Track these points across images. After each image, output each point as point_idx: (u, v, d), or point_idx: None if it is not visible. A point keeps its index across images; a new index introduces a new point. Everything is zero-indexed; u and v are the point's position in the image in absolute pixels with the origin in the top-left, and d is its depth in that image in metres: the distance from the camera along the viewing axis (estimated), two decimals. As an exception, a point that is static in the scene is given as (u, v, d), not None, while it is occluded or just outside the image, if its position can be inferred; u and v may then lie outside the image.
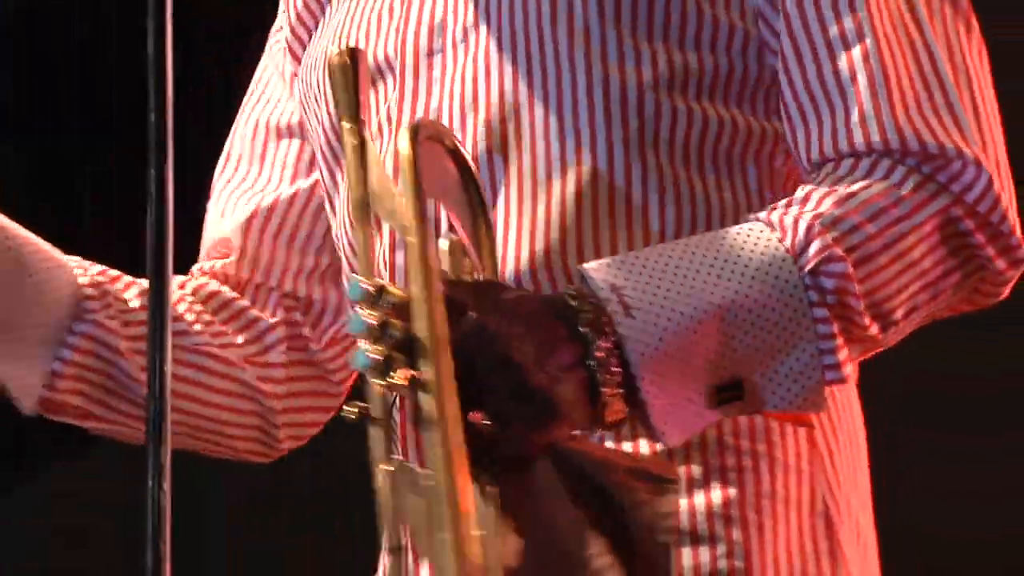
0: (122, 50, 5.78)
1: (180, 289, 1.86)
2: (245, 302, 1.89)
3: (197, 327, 1.84)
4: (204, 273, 1.90)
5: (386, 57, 1.70)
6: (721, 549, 1.52)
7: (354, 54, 1.46)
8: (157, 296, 1.40)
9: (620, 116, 1.59)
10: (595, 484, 1.38)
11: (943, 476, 4.47)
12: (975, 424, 4.35)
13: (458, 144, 1.48)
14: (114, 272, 1.87)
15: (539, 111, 1.62)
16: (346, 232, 1.74)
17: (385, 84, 1.70)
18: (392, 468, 1.32)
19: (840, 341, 1.44)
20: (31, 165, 5.97)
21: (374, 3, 1.75)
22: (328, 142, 1.76)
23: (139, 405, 1.86)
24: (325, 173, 1.79)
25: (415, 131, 1.40)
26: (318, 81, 1.74)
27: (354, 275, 1.46)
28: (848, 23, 1.55)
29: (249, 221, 1.88)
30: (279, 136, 1.91)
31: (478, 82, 1.65)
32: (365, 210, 1.40)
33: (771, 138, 1.60)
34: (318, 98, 1.76)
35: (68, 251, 2.03)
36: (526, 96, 1.63)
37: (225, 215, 1.90)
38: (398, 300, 1.32)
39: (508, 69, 1.65)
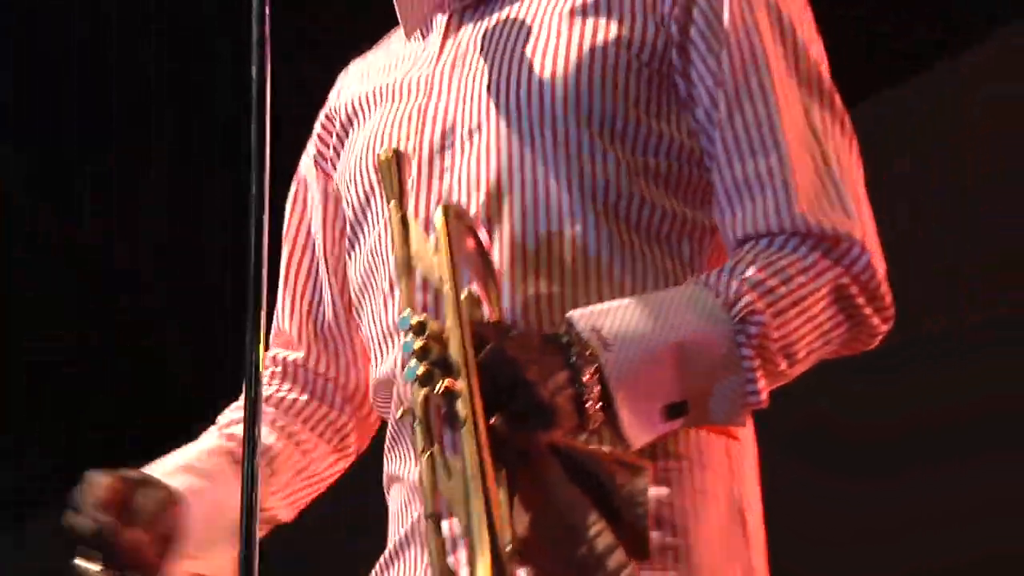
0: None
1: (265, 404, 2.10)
2: (320, 409, 2.15)
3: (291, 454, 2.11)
4: (276, 363, 2.16)
5: (407, 152, 1.90)
6: (666, 529, 1.76)
7: (398, 154, 1.75)
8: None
9: (591, 199, 1.82)
10: (587, 471, 1.60)
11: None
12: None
13: (473, 223, 1.74)
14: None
15: (528, 193, 1.85)
16: (370, 281, 1.98)
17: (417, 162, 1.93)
18: (430, 455, 1.58)
19: (760, 374, 1.70)
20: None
21: (398, 111, 1.98)
22: (355, 212, 2.00)
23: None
24: (350, 232, 2.04)
25: (447, 210, 1.68)
26: (357, 167, 1.99)
27: (404, 312, 1.67)
28: (767, 139, 1.80)
29: (313, 329, 2.16)
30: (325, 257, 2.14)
31: (480, 170, 1.88)
32: (407, 266, 1.68)
33: (699, 224, 1.86)
34: (355, 179, 2.00)
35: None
36: (519, 181, 1.85)
37: (293, 316, 2.17)
38: (436, 331, 1.59)
39: (504, 161, 1.87)
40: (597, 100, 1.85)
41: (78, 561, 1.94)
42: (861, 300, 1.77)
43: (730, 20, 1.84)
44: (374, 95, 2.05)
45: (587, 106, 1.84)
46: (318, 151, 2.12)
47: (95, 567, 1.94)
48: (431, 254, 1.68)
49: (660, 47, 1.86)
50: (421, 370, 1.58)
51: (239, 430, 1.98)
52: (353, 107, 2.08)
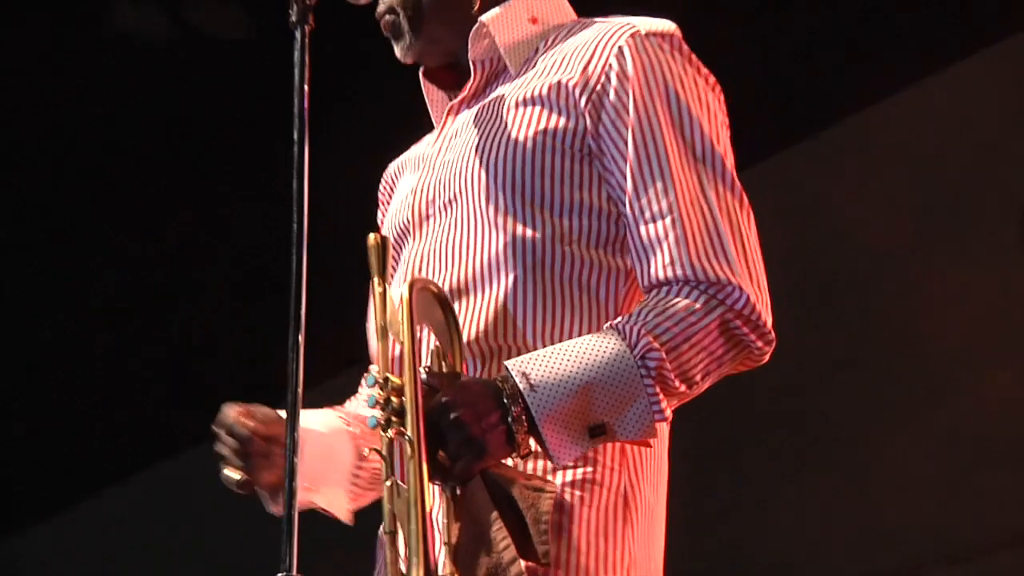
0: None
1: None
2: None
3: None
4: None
5: (406, 220, 2.14)
6: (556, 510, 1.88)
7: (383, 238, 1.91)
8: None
9: (522, 256, 2.00)
10: (505, 493, 1.82)
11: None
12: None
13: (440, 290, 1.95)
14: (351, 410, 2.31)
15: (478, 255, 2.02)
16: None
17: (410, 235, 2.13)
18: (389, 483, 1.81)
19: (661, 396, 1.86)
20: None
21: (409, 184, 2.19)
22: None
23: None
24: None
25: (411, 285, 1.89)
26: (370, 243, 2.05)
27: (373, 371, 1.89)
28: (664, 207, 1.95)
29: None
30: None
31: (450, 235, 2.06)
32: (384, 331, 1.88)
33: (614, 268, 2.01)
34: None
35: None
36: (471, 244, 2.03)
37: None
38: (397, 385, 1.82)
39: (464, 229, 2.05)
40: (528, 178, 2.03)
41: (225, 472, 2.11)
42: (745, 330, 1.93)
43: (633, 112, 2.00)
44: (405, 167, 2.29)
45: (520, 183, 2.02)
46: (380, 203, 2.35)
47: (236, 475, 2.11)
48: (395, 320, 1.90)
49: (579, 134, 2.03)
50: (381, 418, 1.81)
51: (352, 408, 2.29)
52: (394, 175, 2.32)
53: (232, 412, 2.13)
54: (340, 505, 2.20)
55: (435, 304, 1.96)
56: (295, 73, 1.96)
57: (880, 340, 5.24)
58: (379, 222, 2.36)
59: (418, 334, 1.93)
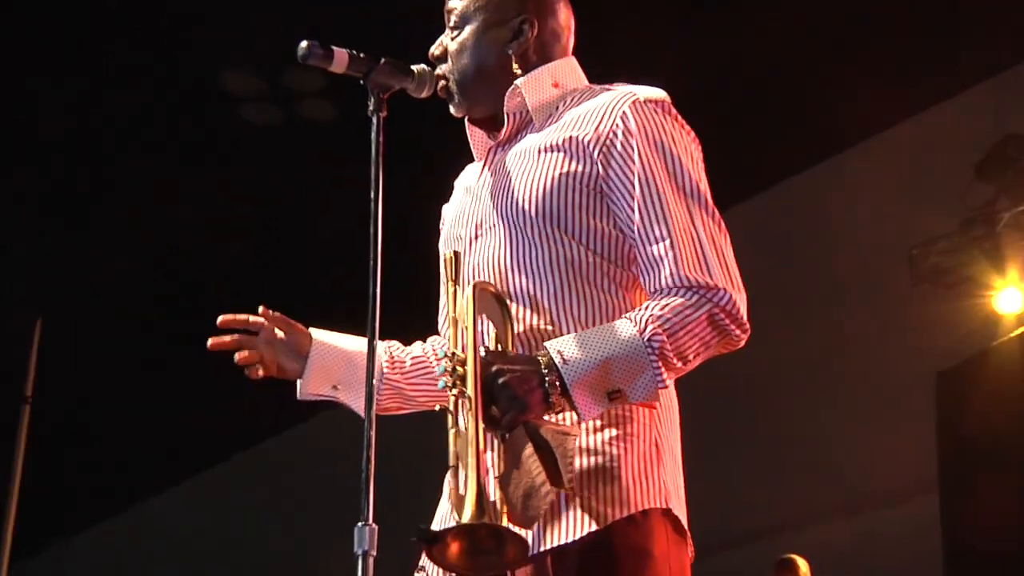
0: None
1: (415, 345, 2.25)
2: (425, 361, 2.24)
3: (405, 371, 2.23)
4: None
5: (460, 236, 2.10)
6: (607, 457, 1.87)
7: (456, 255, 1.95)
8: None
9: (557, 268, 1.97)
10: (541, 438, 1.80)
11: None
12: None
13: (497, 290, 1.95)
14: (395, 344, 2.26)
15: (522, 263, 1.99)
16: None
17: (465, 249, 2.08)
18: (454, 429, 1.79)
19: (663, 369, 1.85)
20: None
21: (459, 209, 2.14)
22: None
23: (408, 400, 2.24)
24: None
25: (474, 287, 1.89)
26: (443, 259, 2.08)
27: (445, 347, 1.90)
28: (663, 232, 1.93)
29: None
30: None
31: (499, 250, 2.02)
32: (455, 320, 1.89)
33: (624, 277, 1.98)
34: (442, 252, 2.13)
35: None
36: (517, 260, 2.00)
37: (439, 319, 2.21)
38: (461, 358, 1.81)
39: (508, 247, 2.01)
40: (553, 208, 1.99)
41: (238, 358, 2.11)
42: (727, 321, 1.91)
43: (638, 162, 1.97)
44: (456, 196, 2.22)
45: (548, 212, 1.99)
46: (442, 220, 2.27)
47: (257, 371, 2.13)
48: (461, 312, 1.89)
49: (593, 176, 1.99)
50: (449, 381, 1.80)
51: (402, 347, 2.25)
52: (449, 200, 2.25)
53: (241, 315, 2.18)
54: (359, 405, 2.09)
55: (493, 301, 1.94)
56: (372, 147, 1.96)
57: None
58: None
59: (479, 323, 1.91)
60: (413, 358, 2.28)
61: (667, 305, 1.90)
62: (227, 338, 2.16)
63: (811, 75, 5.17)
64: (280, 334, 2.17)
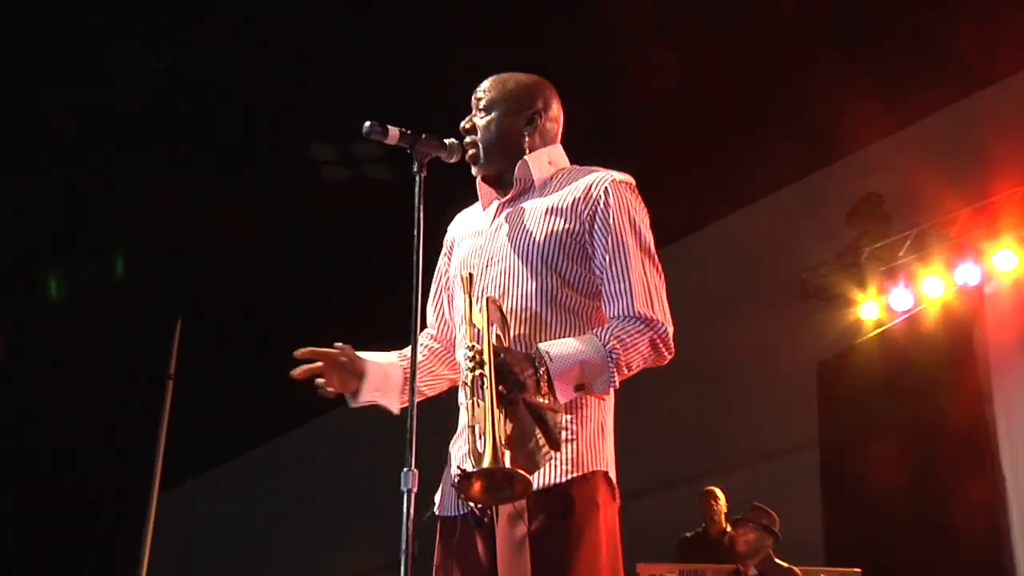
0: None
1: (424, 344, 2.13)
2: (439, 351, 2.13)
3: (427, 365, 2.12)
4: (425, 333, 2.16)
5: (473, 266, 2.01)
6: (570, 431, 1.84)
7: (471, 275, 1.90)
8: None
9: (546, 296, 1.93)
10: (536, 411, 1.76)
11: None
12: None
13: (501, 306, 1.90)
14: (403, 353, 2.09)
15: (520, 293, 1.94)
16: (456, 316, 2.04)
17: (477, 276, 1.99)
18: (473, 399, 1.75)
19: (615, 374, 1.83)
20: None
21: (473, 246, 2.05)
22: (454, 287, 2.04)
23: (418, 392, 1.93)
24: (451, 292, 2.10)
25: (487, 301, 1.87)
26: (457, 270, 2.05)
27: (464, 340, 1.82)
28: (624, 277, 1.90)
29: (437, 322, 2.15)
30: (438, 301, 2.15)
31: (503, 279, 1.97)
32: (470, 322, 1.85)
33: (593, 307, 1.94)
34: (457, 274, 2.06)
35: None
36: (517, 288, 1.95)
37: (433, 315, 2.16)
38: (479, 349, 1.77)
39: (511, 278, 1.96)
40: (553, 254, 1.95)
41: (318, 382, 1.95)
42: (661, 346, 1.90)
43: (613, 225, 1.94)
44: (464, 234, 2.10)
45: (547, 256, 1.95)
46: (446, 255, 2.16)
47: (329, 389, 1.97)
48: (478, 318, 1.87)
49: (579, 232, 1.96)
50: (471, 365, 1.76)
51: (407, 352, 2.06)
52: (456, 238, 2.13)
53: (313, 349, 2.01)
54: (393, 405, 2.06)
55: (497, 312, 1.91)
56: (415, 200, 1.93)
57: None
58: (445, 257, 2.17)
59: (489, 327, 1.88)
60: (419, 364, 2.14)
61: (623, 328, 1.88)
62: (303, 368, 1.99)
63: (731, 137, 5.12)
64: (343, 359, 2.03)
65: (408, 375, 2.03)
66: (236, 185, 5.70)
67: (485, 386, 1.74)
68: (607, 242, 1.95)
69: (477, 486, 1.67)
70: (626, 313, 1.91)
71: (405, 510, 1.66)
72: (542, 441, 1.75)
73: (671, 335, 1.92)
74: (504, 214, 2.06)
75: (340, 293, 6.30)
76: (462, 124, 2.11)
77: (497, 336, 1.87)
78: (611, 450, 1.93)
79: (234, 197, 5.73)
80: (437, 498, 1.97)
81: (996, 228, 5.03)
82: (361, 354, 2.06)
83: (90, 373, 6.60)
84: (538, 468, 1.76)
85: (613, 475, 1.91)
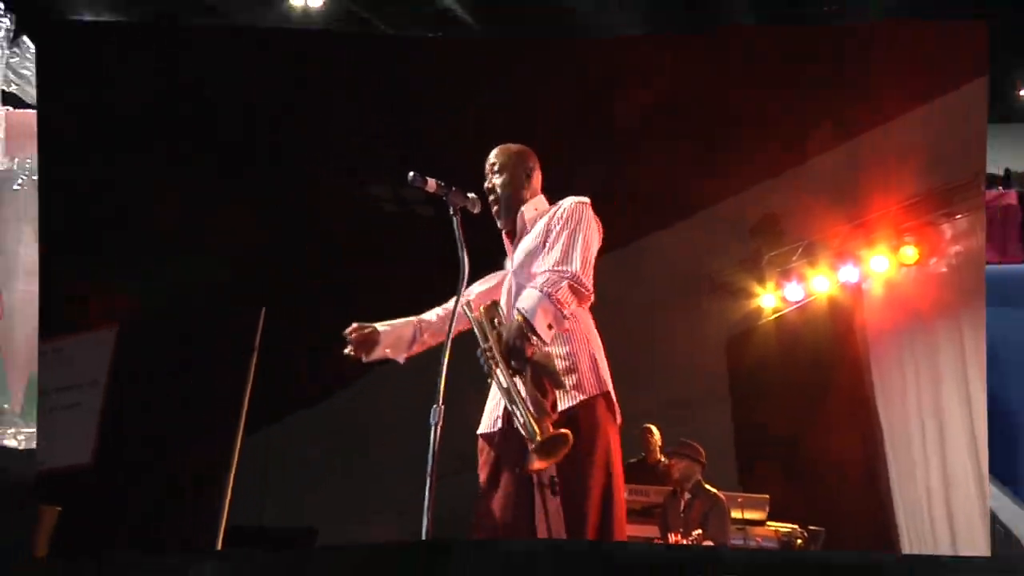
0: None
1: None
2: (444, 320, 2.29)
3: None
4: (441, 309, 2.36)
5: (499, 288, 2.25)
6: (570, 361, 1.99)
7: (495, 302, 2.08)
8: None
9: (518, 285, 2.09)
10: (536, 362, 1.98)
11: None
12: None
13: (499, 304, 2.08)
14: (422, 316, 2.32)
15: (517, 296, 2.16)
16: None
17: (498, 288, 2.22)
18: (495, 381, 1.96)
19: (563, 308, 2.00)
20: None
21: (499, 276, 2.28)
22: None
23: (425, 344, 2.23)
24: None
25: (490, 303, 2.14)
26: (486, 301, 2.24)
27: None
28: (554, 243, 2.03)
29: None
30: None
31: (505, 286, 2.22)
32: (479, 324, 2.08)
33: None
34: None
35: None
36: (515, 295, 2.17)
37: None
38: (493, 340, 2.05)
39: (514, 290, 2.22)
40: (539, 261, 2.18)
41: (345, 351, 2.12)
42: (582, 289, 2.08)
43: (558, 217, 2.10)
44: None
45: (537, 260, 2.18)
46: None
47: (351, 352, 2.14)
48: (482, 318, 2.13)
49: (547, 235, 2.13)
50: (484, 347, 2.01)
51: (427, 317, 2.29)
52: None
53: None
54: (400, 358, 2.22)
55: (496, 311, 2.25)
56: (456, 234, 2.21)
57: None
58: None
59: (489, 327, 2.18)
60: (430, 323, 2.36)
61: (546, 279, 2.11)
62: (351, 347, 2.18)
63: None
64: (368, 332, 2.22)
65: (416, 333, 2.37)
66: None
67: (502, 377, 2.08)
68: (552, 227, 2.23)
69: (536, 461, 1.89)
70: (549, 267, 2.19)
71: (432, 439, 1.87)
72: (544, 389, 2.00)
73: (584, 279, 2.11)
74: (515, 251, 2.41)
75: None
76: (486, 185, 2.36)
77: (496, 332, 2.15)
78: (607, 374, 2.14)
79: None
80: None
81: (872, 239, 5.45)
82: (380, 325, 2.30)
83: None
84: (556, 410, 1.93)
85: (613, 393, 2.11)
